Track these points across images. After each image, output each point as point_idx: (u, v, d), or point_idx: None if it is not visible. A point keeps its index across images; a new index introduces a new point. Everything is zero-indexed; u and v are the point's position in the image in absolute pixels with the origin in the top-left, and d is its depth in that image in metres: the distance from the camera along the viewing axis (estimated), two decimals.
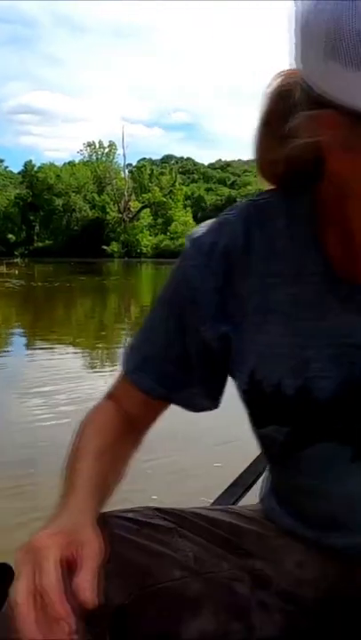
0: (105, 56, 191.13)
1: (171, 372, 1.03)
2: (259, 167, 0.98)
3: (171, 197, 62.84)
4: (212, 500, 1.42)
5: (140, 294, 23.44)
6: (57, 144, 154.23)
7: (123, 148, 69.46)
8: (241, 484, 1.44)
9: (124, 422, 1.06)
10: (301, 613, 1.02)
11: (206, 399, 1.06)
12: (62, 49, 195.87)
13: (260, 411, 0.97)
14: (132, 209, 62.04)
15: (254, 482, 1.45)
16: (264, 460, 1.43)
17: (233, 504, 1.35)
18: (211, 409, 1.08)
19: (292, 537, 1.07)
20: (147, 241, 59.07)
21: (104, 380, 7.55)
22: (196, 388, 1.04)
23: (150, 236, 60.09)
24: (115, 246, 58.55)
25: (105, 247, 58.09)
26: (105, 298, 21.93)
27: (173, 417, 1.18)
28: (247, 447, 1.13)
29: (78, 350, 10.56)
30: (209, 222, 1.00)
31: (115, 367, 9.33)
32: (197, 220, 68.43)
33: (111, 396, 1.09)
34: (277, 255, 0.93)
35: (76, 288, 24.61)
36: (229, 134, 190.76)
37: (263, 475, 1.25)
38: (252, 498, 1.34)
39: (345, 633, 1.03)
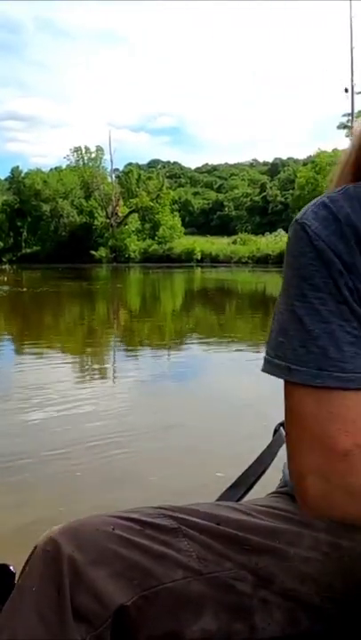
0: (90, 61, 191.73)
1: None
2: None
3: (158, 202, 62.80)
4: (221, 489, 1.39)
5: (127, 299, 23.50)
6: (44, 150, 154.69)
7: (110, 153, 69.47)
8: (247, 480, 1.40)
9: None
10: (303, 611, 1.03)
11: None
12: (47, 54, 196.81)
13: None
14: (119, 214, 61.97)
15: (260, 477, 1.41)
16: (270, 454, 1.41)
17: (239, 500, 1.31)
18: None
19: (304, 527, 1.09)
20: (135, 246, 59.02)
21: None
22: None
23: (138, 240, 60.06)
24: (103, 251, 58.47)
25: (93, 252, 57.98)
26: (91, 302, 21.90)
27: None
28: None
29: (62, 353, 10.60)
30: (318, 202, 1.00)
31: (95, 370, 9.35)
32: (185, 225, 68.60)
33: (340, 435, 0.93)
34: None
35: (63, 293, 24.68)
36: (215, 138, 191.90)
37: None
38: (257, 494, 1.32)
39: (347, 631, 1.04)
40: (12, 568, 1.09)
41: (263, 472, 1.42)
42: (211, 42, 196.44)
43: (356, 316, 0.94)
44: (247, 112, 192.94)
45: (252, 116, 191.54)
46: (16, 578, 1.02)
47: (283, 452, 1.45)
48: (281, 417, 1.55)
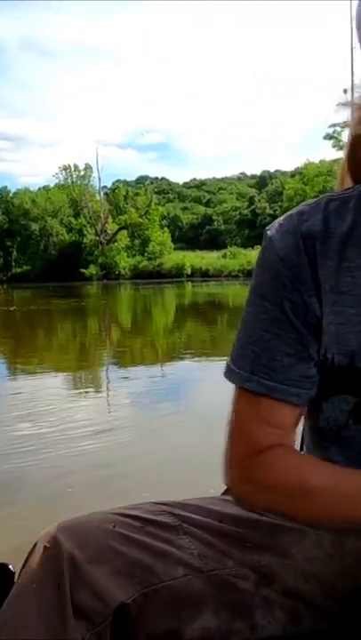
0: (75, 79, 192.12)
1: (301, 368, 1.00)
2: (350, 165, 1.10)
3: (147, 218, 62.87)
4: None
5: (117, 315, 23.46)
6: (32, 169, 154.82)
7: (98, 170, 69.66)
8: None
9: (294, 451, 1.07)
10: (305, 610, 1.03)
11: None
12: (32, 74, 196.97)
13: (330, 382, 1.00)
14: (108, 231, 61.99)
15: None
16: None
17: None
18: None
19: (307, 525, 1.08)
20: (125, 262, 59.02)
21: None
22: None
23: (128, 257, 60.07)
24: (93, 269, 58.45)
25: (83, 270, 57.94)
26: (80, 320, 21.83)
27: None
28: None
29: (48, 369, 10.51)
30: (287, 214, 1.04)
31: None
32: (175, 240, 68.67)
33: (263, 437, 1.01)
34: (353, 243, 0.98)
35: (51, 311, 24.77)
36: (203, 153, 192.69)
37: None
38: None
39: (349, 631, 1.04)
40: (11, 567, 1.08)
41: None
42: (193, 56, 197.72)
43: (296, 329, 0.98)
44: (233, 126, 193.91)
45: (239, 130, 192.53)
46: (15, 577, 1.02)
47: None
48: None
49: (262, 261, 1.02)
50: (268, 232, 1.02)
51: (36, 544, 0.98)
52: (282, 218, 1.04)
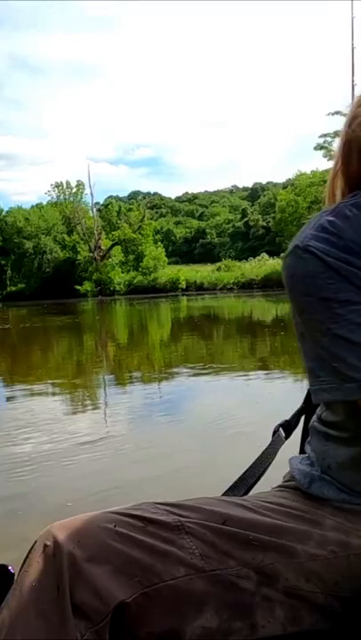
0: (65, 96, 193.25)
1: None
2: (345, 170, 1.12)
3: (141, 233, 62.97)
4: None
5: (111, 331, 23.47)
6: (24, 187, 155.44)
7: (90, 187, 69.85)
8: (247, 480, 1.35)
9: None
10: (306, 609, 1.04)
11: None
12: (22, 92, 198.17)
13: None
14: (102, 247, 62.05)
15: (260, 476, 1.37)
16: (270, 454, 1.43)
17: (244, 494, 1.28)
18: None
19: (311, 523, 1.09)
20: (119, 278, 59.07)
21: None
22: None
23: (123, 272, 60.12)
24: (88, 285, 58.51)
25: (78, 287, 58.01)
26: (73, 336, 21.83)
27: None
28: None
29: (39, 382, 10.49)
30: (315, 226, 1.02)
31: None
32: (168, 254, 68.75)
33: None
34: None
35: (46, 328, 24.84)
36: (194, 166, 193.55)
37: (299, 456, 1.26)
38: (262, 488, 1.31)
39: (351, 630, 1.05)
40: (11, 569, 1.08)
41: (264, 472, 1.38)
42: (182, 67, 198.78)
43: None
44: (225, 138, 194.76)
45: (231, 142, 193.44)
46: (15, 578, 1.01)
47: (282, 452, 1.42)
48: (280, 418, 1.51)
49: (317, 272, 0.98)
50: (310, 244, 0.99)
51: (35, 543, 0.99)
52: (312, 230, 1.02)
